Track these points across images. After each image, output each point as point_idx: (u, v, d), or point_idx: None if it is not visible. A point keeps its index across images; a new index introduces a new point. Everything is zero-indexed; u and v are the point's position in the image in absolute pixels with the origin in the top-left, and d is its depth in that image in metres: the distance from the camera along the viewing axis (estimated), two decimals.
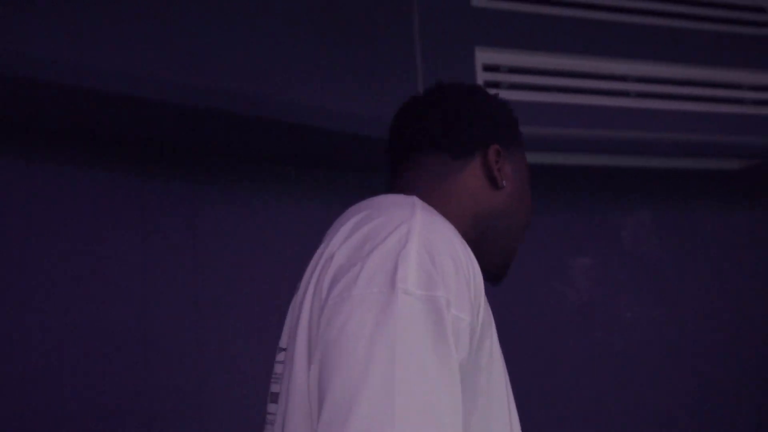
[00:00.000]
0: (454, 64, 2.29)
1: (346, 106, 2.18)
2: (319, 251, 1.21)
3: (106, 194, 2.27)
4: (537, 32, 2.42)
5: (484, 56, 2.33)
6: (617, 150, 2.52)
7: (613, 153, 2.58)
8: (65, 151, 2.22)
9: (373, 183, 2.63)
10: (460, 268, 1.09)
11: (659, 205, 3.02)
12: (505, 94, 2.31)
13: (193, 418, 2.32)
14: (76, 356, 2.18)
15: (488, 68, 2.34)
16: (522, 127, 2.39)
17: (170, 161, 2.37)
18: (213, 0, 2.04)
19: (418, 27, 2.27)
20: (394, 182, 1.37)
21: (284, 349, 1.22)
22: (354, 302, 1.05)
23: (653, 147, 2.55)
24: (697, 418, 2.93)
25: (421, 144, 1.33)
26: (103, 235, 2.25)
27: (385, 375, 0.99)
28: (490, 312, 1.17)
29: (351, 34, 2.21)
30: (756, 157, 2.70)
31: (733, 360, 3.05)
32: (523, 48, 2.39)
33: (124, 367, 2.25)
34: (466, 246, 1.15)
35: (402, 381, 0.99)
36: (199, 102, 1.99)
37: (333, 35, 2.19)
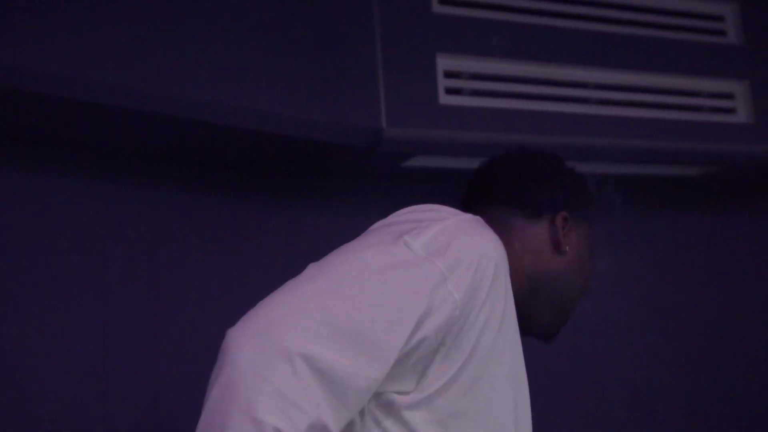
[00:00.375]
0: (415, 70, 2.29)
1: (306, 112, 2.18)
2: None
3: (100, 205, 2.27)
4: (498, 39, 2.42)
5: (445, 62, 2.33)
6: (577, 156, 2.53)
7: (573, 159, 2.59)
8: (66, 162, 2.22)
9: (335, 188, 2.63)
10: (473, 263, 1.16)
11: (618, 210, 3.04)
12: (466, 101, 2.35)
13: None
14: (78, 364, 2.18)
15: (449, 75, 2.33)
16: (482, 132, 2.39)
17: (133, 165, 2.35)
18: (183, 11, 2.03)
19: (380, 33, 2.27)
20: (486, 210, 1.41)
21: None
22: (368, 235, 1.21)
23: (613, 154, 2.56)
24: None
25: (496, 198, 1.42)
26: (104, 246, 2.26)
27: (342, 283, 1.10)
28: (513, 340, 1.24)
29: (312, 41, 2.20)
30: (713, 165, 2.73)
31: (687, 357, 3.08)
32: (484, 55, 2.39)
33: (136, 374, 2.25)
34: (504, 259, 1.23)
35: (351, 296, 1.10)
36: (156, 108, 1.98)
37: (294, 41, 2.18)
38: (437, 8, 2.36)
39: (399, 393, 1.15)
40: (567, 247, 1.39)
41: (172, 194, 2.41)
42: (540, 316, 1.39)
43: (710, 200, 3.12)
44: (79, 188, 2.26)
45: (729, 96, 2.64)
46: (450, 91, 2.32)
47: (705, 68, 2.63)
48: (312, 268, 1.16)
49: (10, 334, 2.10)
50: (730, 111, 2.64)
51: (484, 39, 2.40)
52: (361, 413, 1.15)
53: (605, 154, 2.56)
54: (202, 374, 2.45)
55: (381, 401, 1.15)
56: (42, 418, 2.12)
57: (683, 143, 2.58)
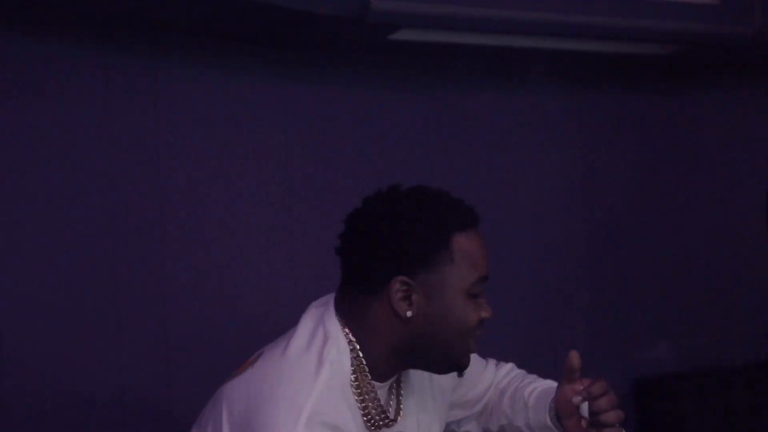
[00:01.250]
0: None
1: None
2: None
3: (70, 68, 2.30)
4: None
5: None
6: (551, 32, 2.63)
7: (545, 35, 2.68)
8: (27, 24, 2.23)
9: (322, 59, 2.71)
10: None
11: (585, 87, 3.16)
12: None
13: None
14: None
15: None
16: (467, 7, 2.39)
17: (133, 35, 2.40)
18: None
19: None
20: (342, 296, 1.41)
21: None
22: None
23: (586, 30, 2.64)
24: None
25: (342, 278, 1.40)
26: (66, 108, 2.29)
27: None
28: None
29: None
30: (680, 43, 2.84)
31: (630, 236, 3.24)
32: None
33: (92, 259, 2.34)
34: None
35: None
36: None
37: None
38: None
39: None
40: (409, 313, 1.33)
41: (160, 63, 2.45)
42: (431, 369, 1.41)
43: (678, 77, 3.25)
44: (78, 56, 2.31)
45: None
46: None
47: None
48: None
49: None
50: None
51: None
52: None
53: (578, 31, 2.66)
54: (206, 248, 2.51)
55: None
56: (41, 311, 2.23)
57: (652, 22, 2.67)
